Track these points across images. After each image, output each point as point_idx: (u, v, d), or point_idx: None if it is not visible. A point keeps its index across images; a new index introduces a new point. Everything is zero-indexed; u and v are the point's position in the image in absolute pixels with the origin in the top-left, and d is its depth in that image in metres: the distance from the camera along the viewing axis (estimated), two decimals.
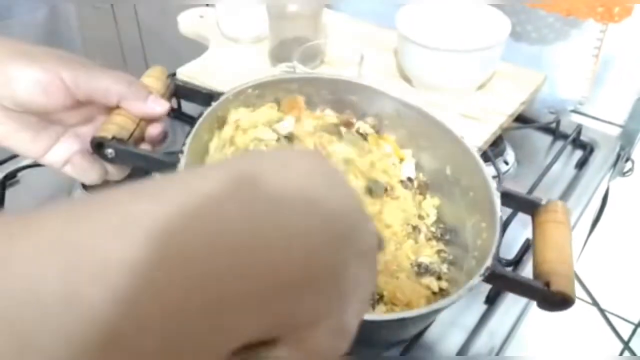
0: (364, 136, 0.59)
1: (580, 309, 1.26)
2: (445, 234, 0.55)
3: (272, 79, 0.58)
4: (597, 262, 1.07)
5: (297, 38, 0.81)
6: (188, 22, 0.93)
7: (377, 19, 0.92)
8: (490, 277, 0.44)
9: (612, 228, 0.95)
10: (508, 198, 0.51)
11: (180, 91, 0.54)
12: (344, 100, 0.60)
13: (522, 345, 0.66)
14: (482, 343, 0.57)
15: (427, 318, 0.45)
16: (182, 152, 0.46)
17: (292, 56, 0.76)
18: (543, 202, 0.50)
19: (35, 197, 0.73)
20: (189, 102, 0.55)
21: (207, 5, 0.96)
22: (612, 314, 1.16)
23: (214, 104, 0.52)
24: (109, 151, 0.45)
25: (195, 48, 0.89)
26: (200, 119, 0.50)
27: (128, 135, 0.46)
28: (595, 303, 1.13)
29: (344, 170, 0.56)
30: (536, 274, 0.45)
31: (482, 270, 0.44)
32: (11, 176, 0.74)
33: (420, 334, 0.52)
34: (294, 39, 0.81)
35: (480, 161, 0.52)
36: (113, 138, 0.45)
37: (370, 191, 0.55)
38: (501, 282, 0.45)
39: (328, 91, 0.60)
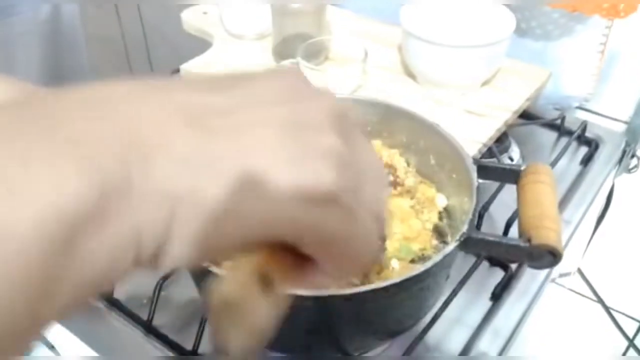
0: None
1: (585, 306, 1.25)
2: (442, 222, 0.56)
3: None
4: (602, 259, 1.06)
5: (301, 35, 0.81)
6: (191, 19, 0.93)
7: (381, 15, 0.91)
8: (468, 243, 0.43)
9: (617, 225, 0.94)
10: (488, 171, 0.51)
11: None
12: None
13: (526, 342, 0.66)
14: (486, 341, 0.56)
15: (410, 295, 0.44)
16: None
17: (296, 53, 0.76)
18: (522, 167, 0.50)
19: None
20: None
21: (211, 1, 0.96)
22: (617, 311, 1.15)
23: None
24: None
25: (199, 45, 0.89)
26: None
27: None
28: (600, 300, 1.12)
29: None
30: (519, 233, 0.45)
31: (457, 236, 0.43)
32: None
33: (425, 331, 0.52)
34: (298, 35, 0.81)
35: (456, 142, 0.53)
36: None
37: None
38: (481, 246, 0.45)
39: None
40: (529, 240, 0.43)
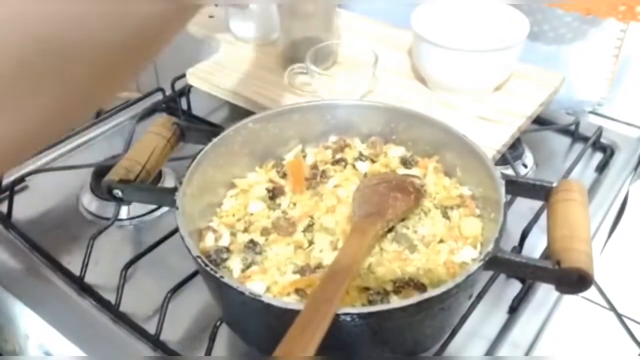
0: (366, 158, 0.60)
1: (597, 314, 1.23)
2: None
3: (272, 112, 0.59)
4: (615, 266, 1.04)
5: (309, 38, 0.79)
6: (198, 23, 0.91)
7: (391, 18, 0.90)
8: (494, 262, 0.42)
9: (631, 232, 0.92)
10: (516, 186, 0.49)
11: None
12: (348, 122, 0.60)
13: (543, 353, 0.64)
14: (504, 353, 0.55)
15: (430, 315, 0.42)
16: (180, 182, 0.50)
17: (305, 57, 0.74)
18: (554, 184, 0.48)
19: (43, 202, 0.72)
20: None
21: (217, 5, 0.95)
22: (630, 319, 1.13)
23: (214, 139, 0.54)
24: (116, 191, 0.51)
25: (205, 48, 0.88)
26: (200, 155, 0.52)
27: (134, 176, 0.51)
28: (612, 308, 1.10)
29: None
30: (548, 255, 0.43)
31: (482, 256, 0.42)
32: (19, 181, 0.73)
33: (444, 345, 0.50)
34: (306, 39, 0.79)
35: (485, 155, 0.52)
36: (120, 180, 0.50)
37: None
38: (507, 267, 0.43)
39: (331, 116, 0.60)
40: (558, 263, 0.40)
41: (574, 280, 0.40)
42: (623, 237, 0.92)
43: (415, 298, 0.39)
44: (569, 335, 1.01)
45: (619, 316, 1.09)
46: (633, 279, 1.11)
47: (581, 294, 1.15)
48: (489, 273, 0.57)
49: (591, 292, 1.11)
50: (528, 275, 0.43)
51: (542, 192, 0.48)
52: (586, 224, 0.44)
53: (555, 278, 0.41)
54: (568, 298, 0.92)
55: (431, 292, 0.40)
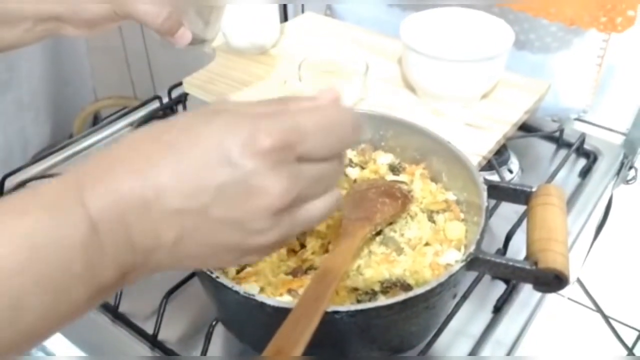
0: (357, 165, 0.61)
1: (584, 315, 1.26)
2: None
3: None
4: (601, 269, 1.07)
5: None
6: None
7: (381, 28, 0.92)
8: (474, 263, 0.44)
9: (616, 235, 0.95)
10: (498, 191, 0.51)
11: None
12: None
13: (527, 351, 0.66)
14: (488, 352, 0.57)
15: (415, 313, 0.44)
16: None
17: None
18: (534, 189, 0.50)
19: None
20: None
21: None
22: (616, 320, 1.16)
23: None
24: None
25: (201, 58, 0.90)
26: None
27: None
28: (599, 310, 1.13)
29: None
30: (526, 256, 0.45)
31: (464, 257, 0.44)
32: (20, 187, 0.74)
33: (429, 344, 0.53)
34: None
35: (468, 161, 0.54)
36: None
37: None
38: (487, 267, 0.45)
39: None
40: (535, 263, 0.43)
41: (551, 280, 0.42)
42: (608, 241, 0.94)
43: (401, 296, 0.41)
44: (557, 336, 1.03)
45: (606, 318, 1.12)
46: (618, 281, 1.13)
47: (568, 296, 1.18)
48: (474, 274, 0.59)
49: (578, 294, 1.14)
50: (508, 275, 0.45)
51: (522, 196, 0.50)
52: (563, 227, 0.46)
53: (533, 277, 0.43)
54: (556, 300, 0.94)
55: (416, 291, 0.42)
